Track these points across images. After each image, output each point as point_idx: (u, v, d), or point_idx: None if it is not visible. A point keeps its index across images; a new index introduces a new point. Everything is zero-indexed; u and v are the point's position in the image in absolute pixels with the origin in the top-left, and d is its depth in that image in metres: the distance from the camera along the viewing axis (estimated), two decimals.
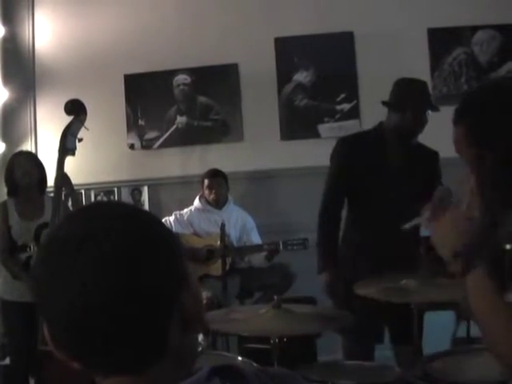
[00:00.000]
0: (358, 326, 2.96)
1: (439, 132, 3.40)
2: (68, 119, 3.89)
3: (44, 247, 0.92)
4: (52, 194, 3.85)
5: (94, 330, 0.86)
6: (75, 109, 3.87)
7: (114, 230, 0.89)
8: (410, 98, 3.34)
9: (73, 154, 3.84)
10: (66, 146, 3.79)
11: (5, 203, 4.06)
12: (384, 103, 3.45)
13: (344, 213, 3.60)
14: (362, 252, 3.38)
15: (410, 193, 3.21)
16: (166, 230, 0.96)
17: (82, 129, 3.89)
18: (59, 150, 3.80)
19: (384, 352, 3.49)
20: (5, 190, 4.15)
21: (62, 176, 3.75)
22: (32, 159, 4.16)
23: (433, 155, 3.54)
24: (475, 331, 4.04)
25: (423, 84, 3.45)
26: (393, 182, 3.34)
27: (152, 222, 0.95)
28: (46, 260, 0.90)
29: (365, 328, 3.07)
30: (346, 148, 3.47)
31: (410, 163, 3.38)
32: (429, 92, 3.50)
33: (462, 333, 4.02)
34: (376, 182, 3.36)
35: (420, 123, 3.36)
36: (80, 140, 3.83)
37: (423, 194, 3.23)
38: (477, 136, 1.31)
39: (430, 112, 3.41)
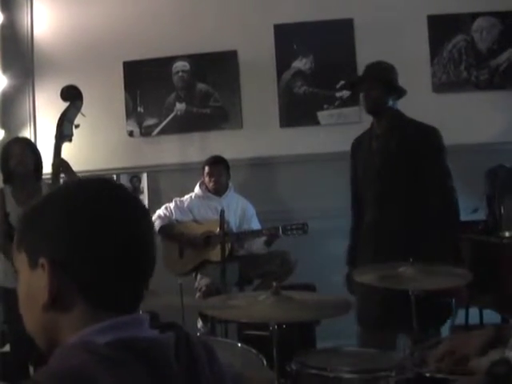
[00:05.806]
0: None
1: (437, 118, 3.43)
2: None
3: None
4: (50, 181, 3.83)
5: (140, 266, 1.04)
6: (71, 95, 3.84)
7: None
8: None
9: (70, 140, 3.81)
10: (63, 133, 3.76)
11: (2, 190, 4.03)
12: None
13: None
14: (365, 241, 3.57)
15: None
16: None
17: (81, 115, 3.87)
18: (56, 137, 3.77)
19: None
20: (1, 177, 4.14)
21: (59, 162, 3.72)
22: (27, 146, 4.10)
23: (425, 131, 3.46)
24: (473, 319, 4.06)
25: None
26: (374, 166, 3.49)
27: None
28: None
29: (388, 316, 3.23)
30: (351, 150, 3.73)
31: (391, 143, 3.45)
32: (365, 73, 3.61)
33: (460, 320, 4.04)
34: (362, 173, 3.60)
35: (365, 100, 3.50)
36: (77, 126, 3.80)
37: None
38: None
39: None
